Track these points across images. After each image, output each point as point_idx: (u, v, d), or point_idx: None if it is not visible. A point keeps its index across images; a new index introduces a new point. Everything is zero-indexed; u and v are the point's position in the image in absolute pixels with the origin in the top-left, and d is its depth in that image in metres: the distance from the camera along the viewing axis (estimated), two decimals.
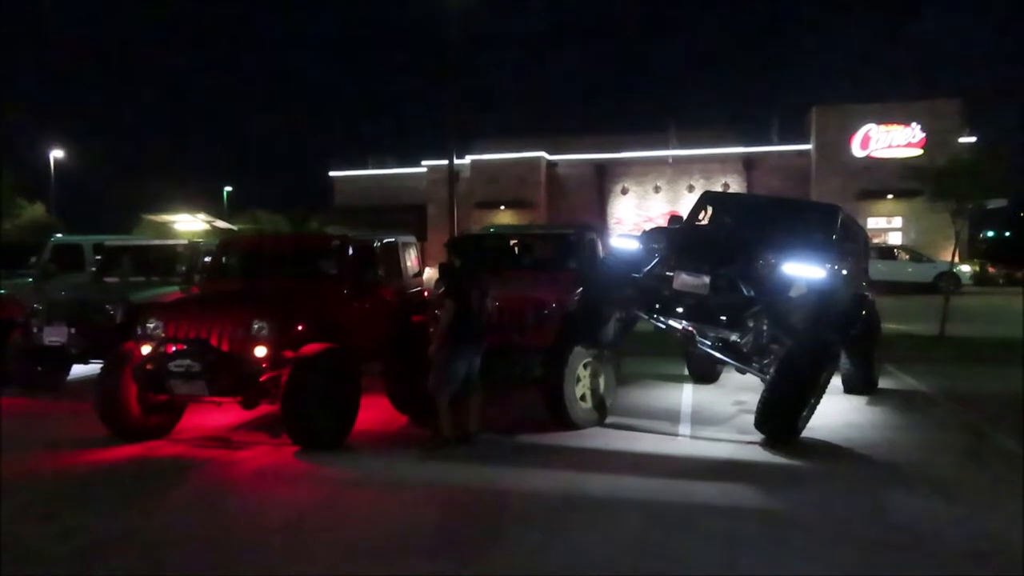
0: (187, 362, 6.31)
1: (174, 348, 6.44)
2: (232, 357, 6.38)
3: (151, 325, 6.70)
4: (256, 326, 6.45)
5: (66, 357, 9.25)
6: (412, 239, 9.09)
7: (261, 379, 6.39)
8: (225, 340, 6.44)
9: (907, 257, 25.49)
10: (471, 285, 6.55)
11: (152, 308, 7.28)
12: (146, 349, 6.60)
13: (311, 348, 6.46)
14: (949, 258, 14.08)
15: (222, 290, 7.84)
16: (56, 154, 39.86)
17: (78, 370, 9.72)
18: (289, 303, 7.03)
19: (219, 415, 7.43)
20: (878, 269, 24.42)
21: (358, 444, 6.68)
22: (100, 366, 7.18)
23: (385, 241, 8.28)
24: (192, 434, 7.09)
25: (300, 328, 6.70)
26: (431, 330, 6.99)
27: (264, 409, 6.82)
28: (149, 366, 6.44)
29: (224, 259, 8.50)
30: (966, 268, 25.76)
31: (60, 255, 12.34)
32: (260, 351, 6.40)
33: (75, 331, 8.94)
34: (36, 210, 32.82)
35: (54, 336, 8.96)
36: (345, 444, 6.60)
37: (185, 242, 11.15)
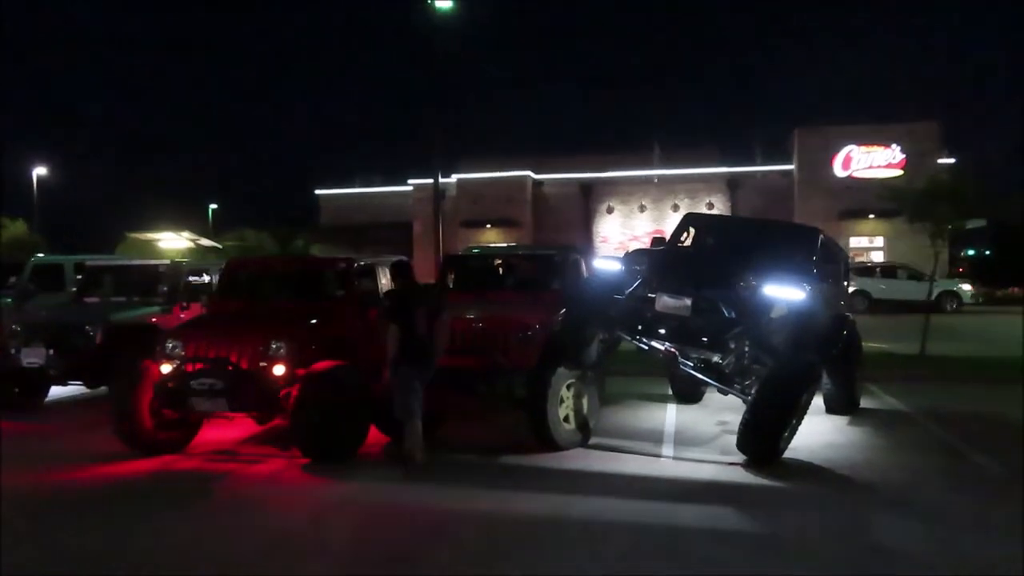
0: (210, 380, 6.62)
1: (196, 367, 6.74)
2: (252, 375, 6.68)
3: (170, 345, 6.97)
4: (274, 345, 6.76)
5: (44, 379, 9.15)
6: (406, 260, 9.32)
7: (279, 395, 6.64)
8: (245, 359, 6.74)
9: (908, 276, 24.90)
10: (416, 307, 6.55)
11: (171, 329, 7.65)
12: (166, 368, 6.87)
13: (321, 365, 6.73)
14: (931, 277, 14.21)
15: (237, 311, 8.09)
16: (39, 171, 39.65)
17: (56, 392, 9.62)
18: (303, 323, 7.33)
19: (218, 430, 7.63)
20: (880, 288, 24.39)
21: (367, 459, 6.82)
22: (104, 386, 7.45)
23: (406, 260, 8.42)
24: (201, 449, 7.28)
25: (314, 347, 6.99)
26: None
27: (261, 423, 7.14)
28: (171, 384, 6.74)
29: (232, 281, 8.70)
30: (967, 287, 25.36)
31: (40, 275, 12.25)
32: (278, 369, 6.72)
33: (54, 352, 8.87)
34: (18, 227, 32.59)
35: (32, 358, 8.88)
36: (357, 458, 6.79)
37: (167, 262, 11.10)
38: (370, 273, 8.46)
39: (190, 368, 6.78)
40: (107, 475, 6.55)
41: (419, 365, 6.47)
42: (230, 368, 6.71)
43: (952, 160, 29.78)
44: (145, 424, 6.83)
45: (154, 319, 9.57)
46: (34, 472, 6.64)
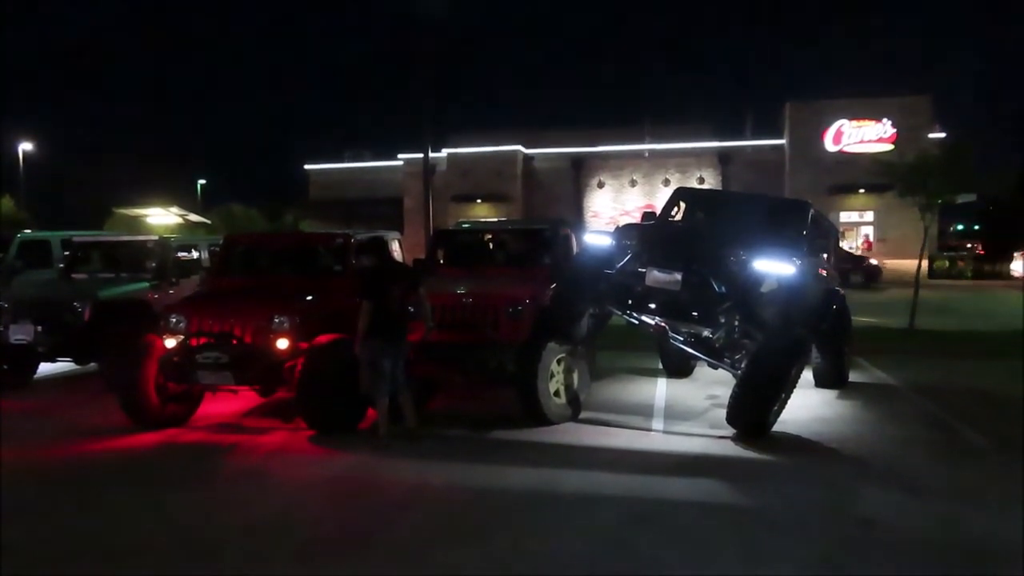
0: (215, 354, 6.78)
1: (200, 341, 6.88)
2: (256, 349, 6.83)
3: (174, 319, 7.07)
4: (278, 320, 6.92)
5: (33, 356, 9.10)
6: (397, 234, 9.88)
7: (283, 369, 6.80)
8: (248, 333, 6.90)
9: None
10: (390, 284, 6.55)
11: (174, 304, 7.68)
12: (171, 342, 7.00)
13: (323, 338, 6.88)
14: (919, 252, 14.25)
15: (238, 286, 8.13)
16: (25, 147, 39.14)
17: (45, 368, 9.57)
18: (305, 297, 7.44)
19: (219, 403, 7.72)
20: None
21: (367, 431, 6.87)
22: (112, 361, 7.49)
23: (381, 237, 8.43)
24: (204, 422, 7.39)
25: (316, 321, 7.12)
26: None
27: (255, 398, 7.32)
28: (176, 358, 6.87)
29: (231, 256, 8.74)
30: None
31: (27, 251, 12.10)
32: (282, 343, 6.88)
33: (42, 329, 8.79)
34: (5, 204, 32.26)
35: (20, 334, 8.80)
36: (359, 429, 6.92)
37: (155, 238, 11.00)
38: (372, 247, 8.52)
39: (195, 342, 6.92)
40: (113, 449, 6.60)
41: (390, 341, 6.46)
42: (235, 342, 6.86)
43: (943, 134, 29.77)
44: (151, 398, 6.94)
45: (150, 295, 9.50)
46: (34, 448, 6.65)
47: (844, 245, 28.67)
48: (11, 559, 4.37)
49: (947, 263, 29.18)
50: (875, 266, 25.73)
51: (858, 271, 25.10)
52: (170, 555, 4.45)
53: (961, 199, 15.18)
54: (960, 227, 46.36)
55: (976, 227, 46.41)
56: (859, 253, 28.08)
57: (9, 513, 5.07)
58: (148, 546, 4.57)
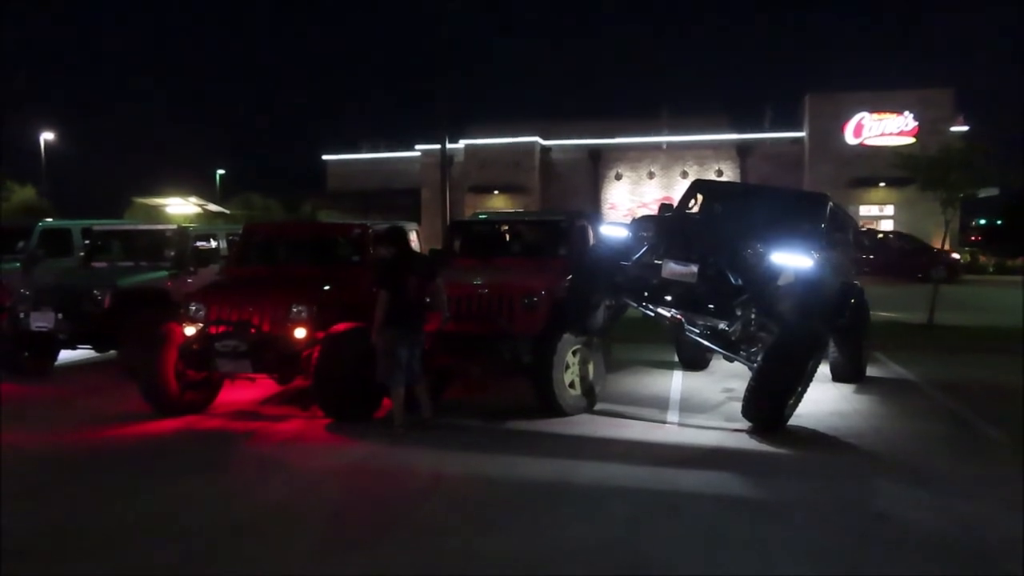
0: (234, 342, 6.88)
1: (219, 329, 6.97)
2: (274, 337, 6.92)
3: (193, 308, 7.17)
4: (295, 309, 7.01)
5: (53, 343, 9.21)
6: (415, 225, 10.04)
7: (300, 357, 6.88)
8: (266, 322, 7.01)
9: None
10: (407, 273, 6.57)
11: (193, 292, 7.76)
12: (190, 330, 7.09)
13: (340, 327, 6.94)
14: (940, 246, 14.12)
15: (257, 275, 8.22)
16: (47, 136, 39.51)
17: (65, 356, 9.69)
18: (323, 287, 7.52)
19: (239, 390, 7.82)
20: None
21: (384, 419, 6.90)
22: (139, 347, 7.42)
23: (399, 228, 8.53)
24: (223, 409, 7.48)
25: (333, 310, 7.19)
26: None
27: (273, 385, 7.42)
28: (195, 346, 6.97)
29: (249, 245, 8.83)
30: None
31: (48, 240, 12.23)
32: (300, 332, 6.96)
33: (62, 317, 8.90)
34: (26, 193, 32.62)
35: (41, 322, 8.91)
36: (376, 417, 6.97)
37: (174, 227, 11.10)
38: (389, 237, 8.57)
39: (214, 331, 7.00)
40: (133, 435, 6.69)
41: (407, 330, 6.49)
42: (253, 331, 6.95)
43: (966, 127, 29.39)
44: (171, 385, 7.03)
45: (169, 284, 9.58)
46: (55, 434, 6.73)
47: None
48: (26, 543, 4.42)
49: (968, 257, 28.84)
50: (956, 260, 24.56)
51: (940, 265, 23.54)
52: (187, 540, 4.49)
53: (983, 193, 15.02)
54: (983, 222, 45.75)
55: (999, 222, 45.75)
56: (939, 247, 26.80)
57: (26, 498, 5.14)
58: (165, 531, 4.62)
